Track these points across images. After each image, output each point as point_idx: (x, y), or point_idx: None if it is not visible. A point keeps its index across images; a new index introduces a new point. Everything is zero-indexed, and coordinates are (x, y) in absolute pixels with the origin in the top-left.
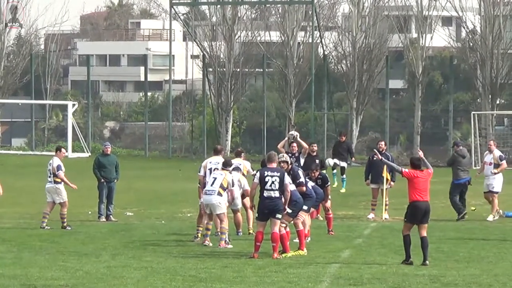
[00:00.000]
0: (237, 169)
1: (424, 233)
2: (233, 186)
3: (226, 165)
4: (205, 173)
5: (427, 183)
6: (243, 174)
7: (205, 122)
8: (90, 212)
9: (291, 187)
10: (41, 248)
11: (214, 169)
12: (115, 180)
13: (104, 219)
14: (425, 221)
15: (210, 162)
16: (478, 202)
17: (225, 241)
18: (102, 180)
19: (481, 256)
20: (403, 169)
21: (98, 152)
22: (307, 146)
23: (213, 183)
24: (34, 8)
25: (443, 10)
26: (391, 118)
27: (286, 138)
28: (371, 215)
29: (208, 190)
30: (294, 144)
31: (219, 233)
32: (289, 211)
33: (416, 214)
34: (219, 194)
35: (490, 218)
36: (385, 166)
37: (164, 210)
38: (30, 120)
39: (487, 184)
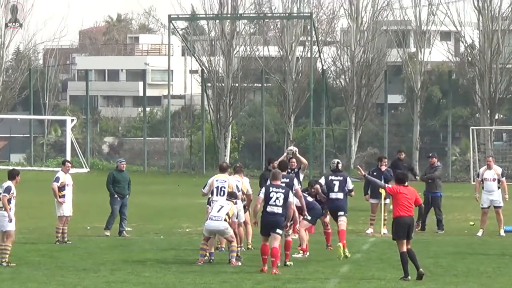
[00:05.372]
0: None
1: (409, 246)
2: (237, 218)
3: (231, 196)
4: (211, 191)
5: (412, 199)
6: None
7: (204, 137)
8: (88, 227)
9: (309, 198)
10: (40, 263)
11: (221, 188)
12: (127, 196)
13: (108, 233)
14: (409, 236)
15: (217, 181)
16: (477, 217)
17: (236, 258)
18: (116, 196)
19: (479, 271)
20: (386, 185)
21: (97, 167)
22: (306, 162)
23: (219, 210)
24: (33, 23)
25: (442, 25)
26: (390, 133)
27: (285, 154)
28: (369, 230)
29: (214, 216)
30: (293, 160)
31: (229, 251)
32: (308, 217)
33: (400, 229)
34: (226, 220)
35: (502, 232)
36: (382, 181)
37: (163, 225)
38: (28, 135)
39: (491, 199)
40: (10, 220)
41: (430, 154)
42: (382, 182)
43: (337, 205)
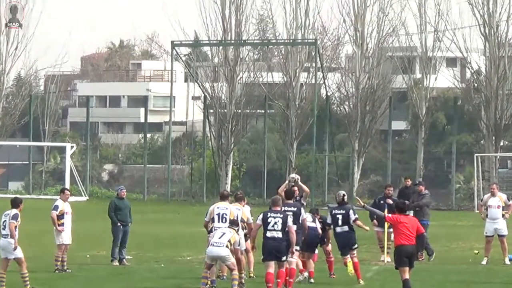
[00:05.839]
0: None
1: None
2: (239, 245)
3: (233, 224)
4: (212, 218)
5: (413, 228)
6: (242, 221)
7: (205, 164)
8: (88, 256)
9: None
10: None
11: (223, 214)
12: (129, 224)
13: (117, 263)
14: (412, 264)
15: (218, 208)
16: (482, 245)
17: (238, 286)
18: (119, 224)
19: None
20: (386, 215)
21: (96, 195)
22: (308, 190)
23: (221, 236)
24: (34, 49)
25: (448, 51)
26: (393, 160)
27: (287, 182)
28: (383, 257)
29: (216, 242)
30: (295, 188)
31: (231, 279)
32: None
33: (402, 257)
34: (227, 247)
35: (507, 260)
36: (385, 210)
37: (163, 253)
38: (27, 162)
39: (495, 228)
40: (15, 248)
41: (418, 182)
42: (386, 211)
43: (348, 241)
